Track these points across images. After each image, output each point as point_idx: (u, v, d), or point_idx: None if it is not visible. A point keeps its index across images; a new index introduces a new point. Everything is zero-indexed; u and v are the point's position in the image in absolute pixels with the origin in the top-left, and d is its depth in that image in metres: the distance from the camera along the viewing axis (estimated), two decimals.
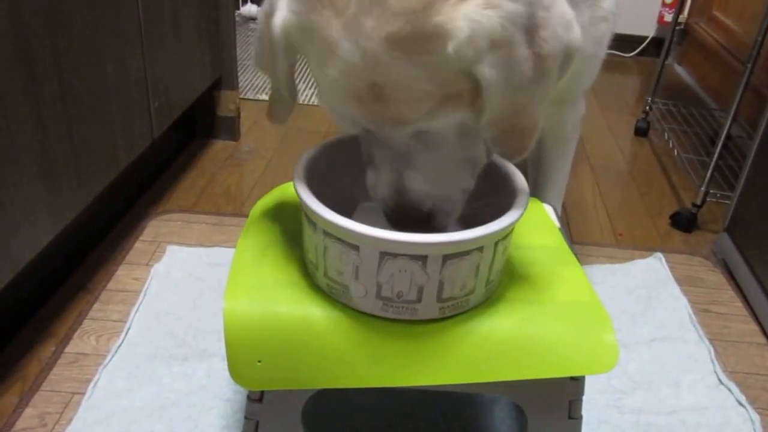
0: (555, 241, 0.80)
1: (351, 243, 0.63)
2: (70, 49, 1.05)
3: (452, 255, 0.62)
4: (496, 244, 0.65)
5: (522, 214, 0.66)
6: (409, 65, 0.54)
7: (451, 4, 0.52)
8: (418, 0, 0.52)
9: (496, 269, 0.68)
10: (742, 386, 1.10)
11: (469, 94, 0.58)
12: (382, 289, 0.65)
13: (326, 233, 0.64)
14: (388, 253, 0.62)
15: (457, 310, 0.68)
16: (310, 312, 0.68)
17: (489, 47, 0.54)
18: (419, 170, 0.64)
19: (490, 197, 0.70)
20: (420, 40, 0.53)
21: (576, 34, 0.58)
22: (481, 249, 0.63)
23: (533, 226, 0.83)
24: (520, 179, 0.71)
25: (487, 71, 0.55)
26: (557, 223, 0.85)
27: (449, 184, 0.66)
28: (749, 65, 1.48)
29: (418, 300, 0.65)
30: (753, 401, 1.07)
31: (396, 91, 0.56)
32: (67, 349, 1.09)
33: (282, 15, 0.59)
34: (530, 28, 0.55)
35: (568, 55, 0.58)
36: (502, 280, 0.72)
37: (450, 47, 0.53)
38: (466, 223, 0.67)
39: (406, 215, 0.66)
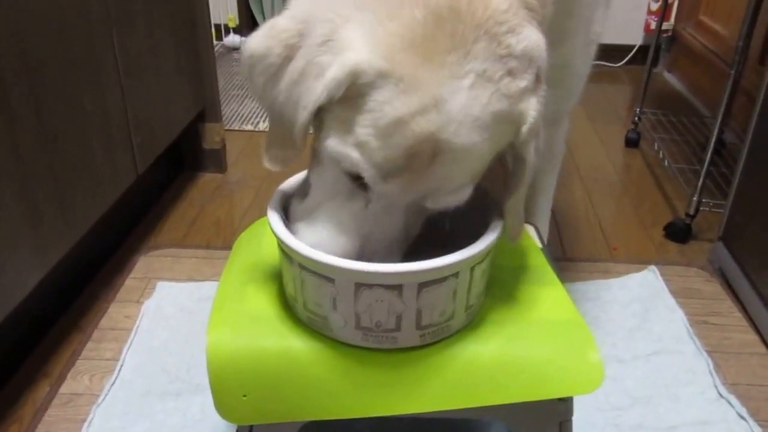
0: (536, 261, 0.79)
1: (326, 275, 0.63)
2: (46, 89, 1.05)
3: (427, 282, 0.62)
4: (472, 268, 0.64)
5: (498, 237, 0.66)
6: (487, 137, 0.60)
7: (528, 96, 0.61)
8: (516, 88, 0.60)
9: (476, 293, 0.68)
10: (744, 398, 1.08)
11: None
12: (361, 320, 0.64)
13: (302, 266, 0.64)
14: (363, 284, 0.62)
15: (439, 336, 0.67)
16: (292, 344, 0.68)
17: (534, 134, 0.63)
18: (384, 236, 0.66)
19: (470, 213, 0.70)
20: (508, 121, 0.61)
21: None
22: (456, 275, 0.63)
23: (513, 246, 0.82)
24: (496, 200, 0.71)
25: (531, 153, 0.64)
26: (538, 243, 0.84)
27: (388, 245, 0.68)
28: (732, 72, 1.48)
29: (398, 328, 0.65)
30: (755, 413, 1.06)
31: (454, 154, 0.59)
32: (61, 390, 1.09)
33: (361, 56, 0.56)
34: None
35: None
36: (484, 302, 0.72)
37: (524, 128, 0.62)
38: (444, 243, 0.66)
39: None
